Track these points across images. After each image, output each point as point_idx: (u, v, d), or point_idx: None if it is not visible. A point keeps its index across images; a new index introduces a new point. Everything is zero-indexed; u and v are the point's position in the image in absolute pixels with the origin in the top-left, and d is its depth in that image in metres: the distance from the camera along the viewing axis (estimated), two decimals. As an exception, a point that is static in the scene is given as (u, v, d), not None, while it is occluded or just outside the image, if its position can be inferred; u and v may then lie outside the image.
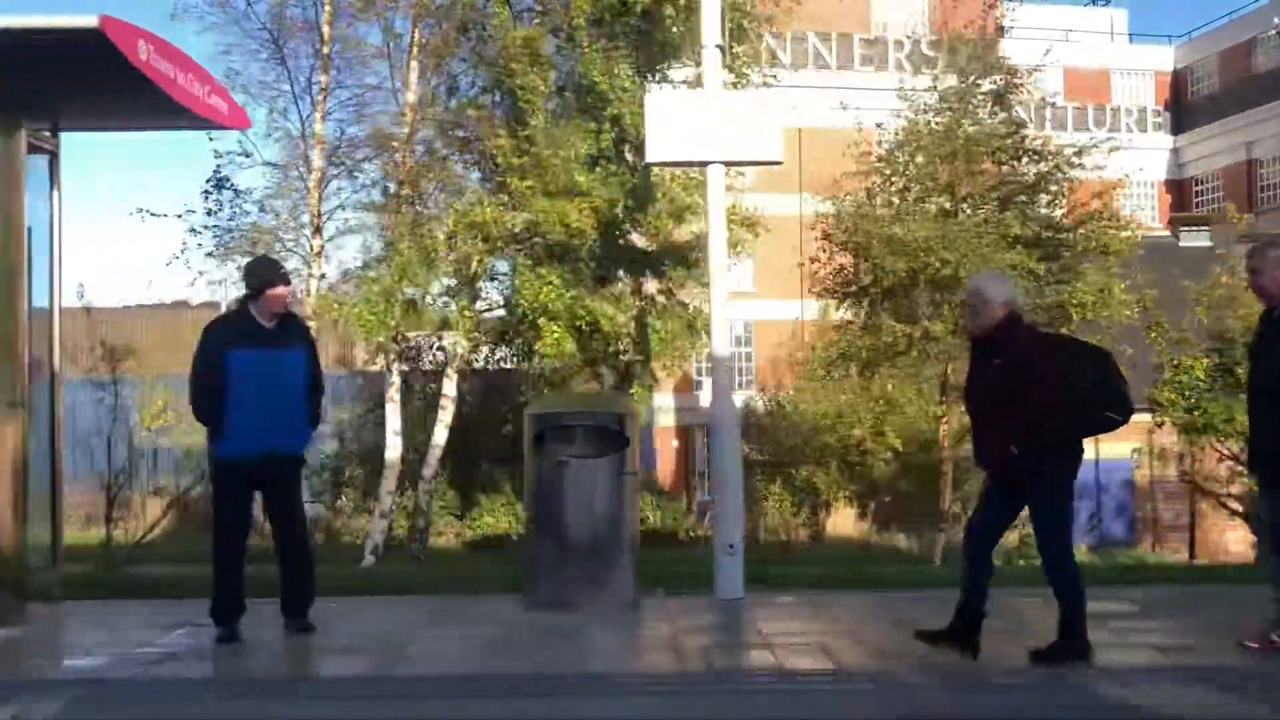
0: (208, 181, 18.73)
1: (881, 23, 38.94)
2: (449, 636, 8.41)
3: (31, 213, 9.12)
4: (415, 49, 18.35)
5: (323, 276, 18.74)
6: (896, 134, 21.23)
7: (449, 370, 18.18)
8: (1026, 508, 7.25)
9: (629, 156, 17.84)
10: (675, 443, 35.42)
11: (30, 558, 9.16)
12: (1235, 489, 22.37)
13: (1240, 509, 22.18)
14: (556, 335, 16.92)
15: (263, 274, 8.29)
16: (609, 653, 7.87)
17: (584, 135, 17.07)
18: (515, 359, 20.29)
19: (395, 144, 18.13)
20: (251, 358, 7.99)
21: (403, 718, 6.42)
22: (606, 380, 18.57)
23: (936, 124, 20.59)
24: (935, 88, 21.37)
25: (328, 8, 18.42)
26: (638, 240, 18.89)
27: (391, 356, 19.15)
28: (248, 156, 18.61)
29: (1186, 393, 20.73)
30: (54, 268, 9.67)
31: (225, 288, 18.87)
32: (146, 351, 20.62)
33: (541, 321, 16.91)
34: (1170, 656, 7.43)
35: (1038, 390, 6.93)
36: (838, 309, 22.51)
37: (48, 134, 9.49)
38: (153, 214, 19.02)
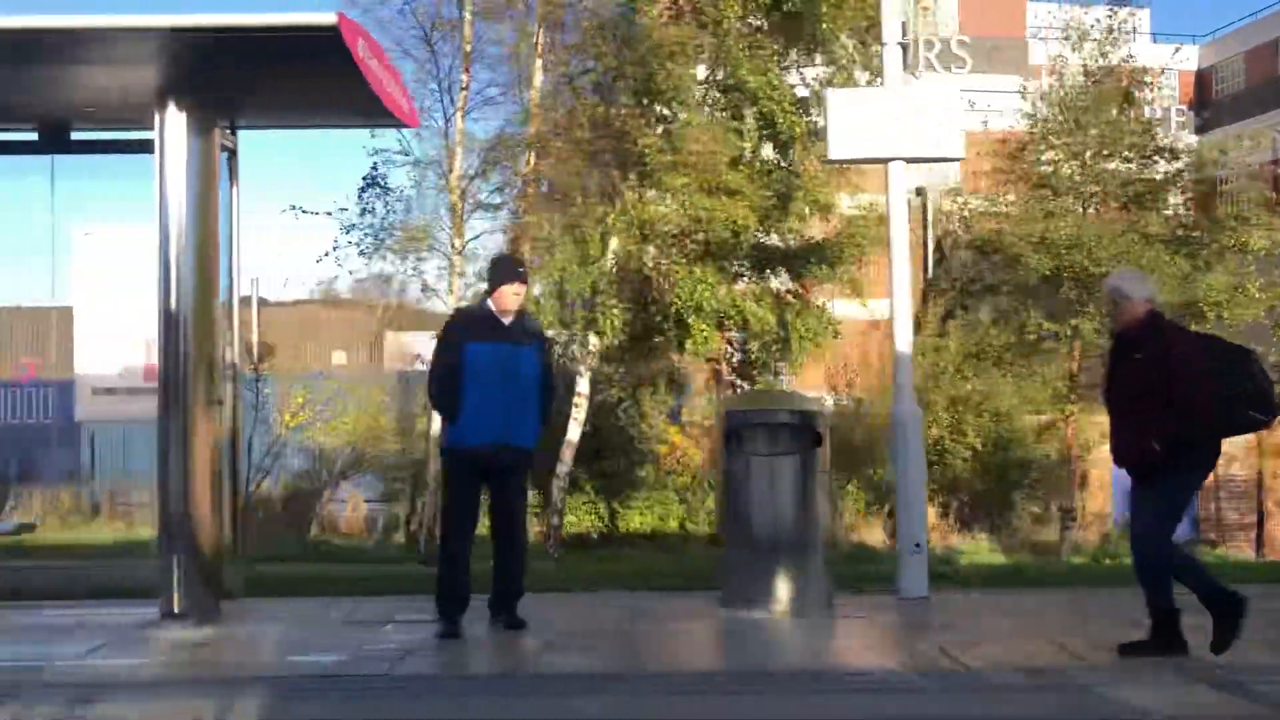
0: (364, 179, 18.91)
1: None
2: (670, 633, 8.45)
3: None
4: (540, 48, 18.32)
5: (461, 274, 18.78)
6: (1032, 130, 21.09)
7: (581, 369, 18.17)
8: (1141, 495, 7.16)
9: (771, 153, 17.80)
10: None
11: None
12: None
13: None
14: (705, 333, 16.98)
15: (499, 271, 8.45)
16: (839, 650, 7.94)
17: (732, 133, 17.07)
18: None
19: (529, 143, 18.14)
20: (487, 351, 8.12)
21: (677, 716, 6.36)
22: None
23: (1063, 121, 20.47)
24: (1059, 87, 21.20)
25: (469, 5, 18.42)
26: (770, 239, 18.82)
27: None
28: (406, 155, 18.69)
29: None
30: (233, 264, 9.79)
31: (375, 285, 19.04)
32: (286, 348, 20.91)
33: (691, 319, 16.95)
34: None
35: (1179, 387, 6.86)
36: (956, 308, 22.35)
37: (229, 131, 9.63)
38: (305, 211, 19.19)
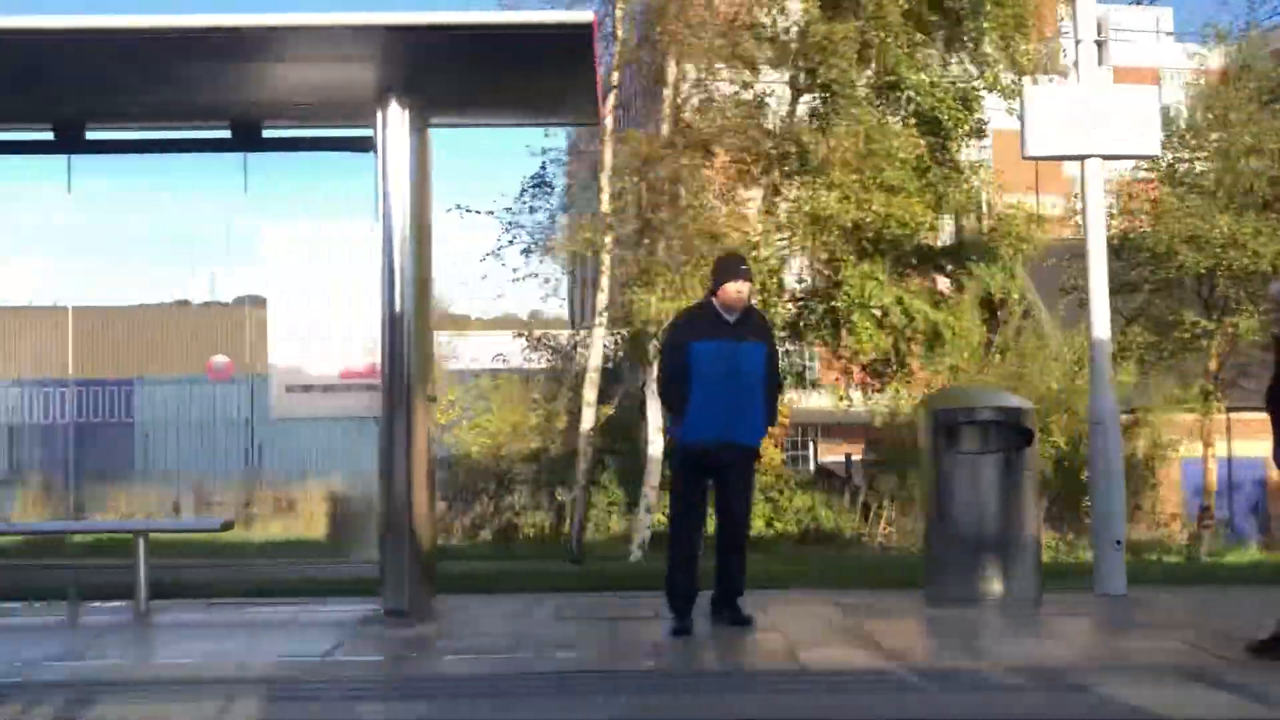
0: (531, 178, 18.95)
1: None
2: (901, 630, 8.45)
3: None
4: (673, 45, 18.29)
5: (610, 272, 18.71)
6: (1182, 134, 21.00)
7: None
8: None
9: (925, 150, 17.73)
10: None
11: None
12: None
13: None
14: (869, 330, 16.98)
15: (723, 269, 8.48)
16: (1082, 645, 7.83)
17: (897, 130, 17.06)
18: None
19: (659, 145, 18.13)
20: (712, 349, 8.17)
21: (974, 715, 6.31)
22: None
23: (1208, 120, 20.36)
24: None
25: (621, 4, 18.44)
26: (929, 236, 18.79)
27: (652, 353, 19.20)
28: (581, 153, 18.73)
29: None
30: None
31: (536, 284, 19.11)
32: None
33: (856, 316, 16.95)
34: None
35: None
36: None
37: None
38: (470, 210, 19.26)
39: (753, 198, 18.26)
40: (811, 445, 36.53)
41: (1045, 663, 7.14)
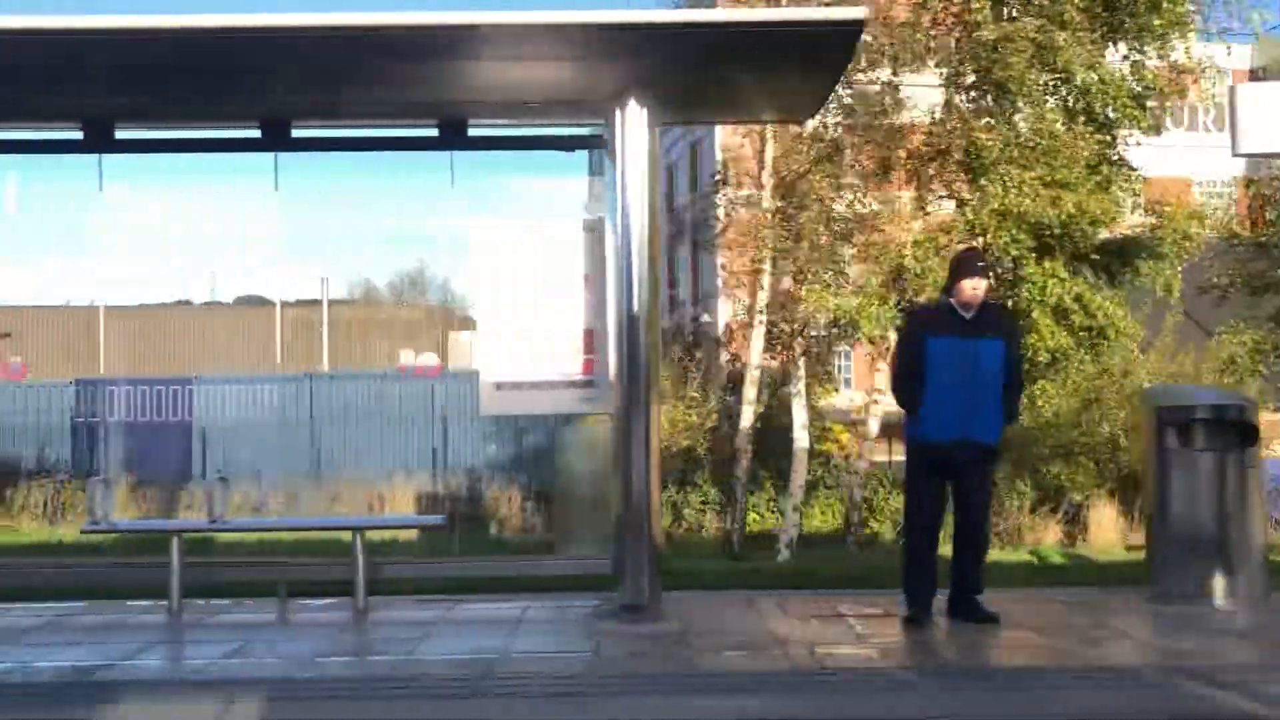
0: (713, 176, 18.83)
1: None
2: (1153, 627, 8.48)
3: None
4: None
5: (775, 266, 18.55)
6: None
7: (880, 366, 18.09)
8: None
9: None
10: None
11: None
12: None
13: None
14: (1050, 326, 16.95)
15: (959, 266, 8.48)
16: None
17: (1082, 129, 17.02)
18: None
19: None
20: (948, 346, 8.18)
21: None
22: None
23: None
24: None
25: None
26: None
27: (798, 351, 19.23)
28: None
29: None
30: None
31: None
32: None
33: (1036, 313, 16.91)
34: None
35: None
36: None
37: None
38: None
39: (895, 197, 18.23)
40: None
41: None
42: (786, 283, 18.78)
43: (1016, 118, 17.48)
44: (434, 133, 9.72)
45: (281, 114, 9.61)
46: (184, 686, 6.91)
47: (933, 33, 17.50)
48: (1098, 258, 17.86)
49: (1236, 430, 9.26)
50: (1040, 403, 22.43)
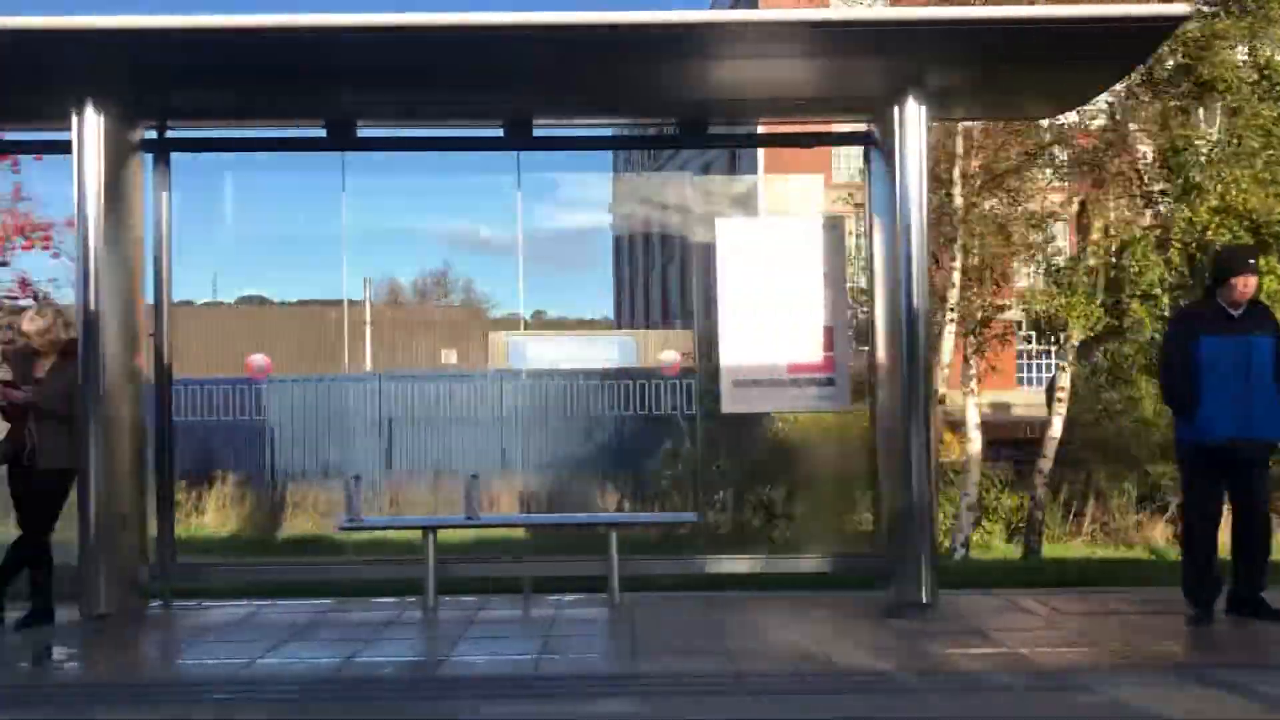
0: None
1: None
2: None
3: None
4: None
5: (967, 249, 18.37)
6: None
7: (1063, 363, 18.04)
8: None
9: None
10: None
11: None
12: None
13: None
14: None
15: (1229, 263, 8.46)
16: None
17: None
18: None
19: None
20: (1219, 344, 8.18)
21: None
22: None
23: None
24: None
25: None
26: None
27: (969, 350, 19.03)
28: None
29: None
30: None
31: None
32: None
33: None
34: None
35: None
36: None
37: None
38: None
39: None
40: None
41: None
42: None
43: (1221, 114, 17.40)
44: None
45: (525, 113, 9.64)
46: (542, 682, 6.86)
47: None
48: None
49: None
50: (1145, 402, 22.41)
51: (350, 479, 9.56)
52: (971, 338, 19.05)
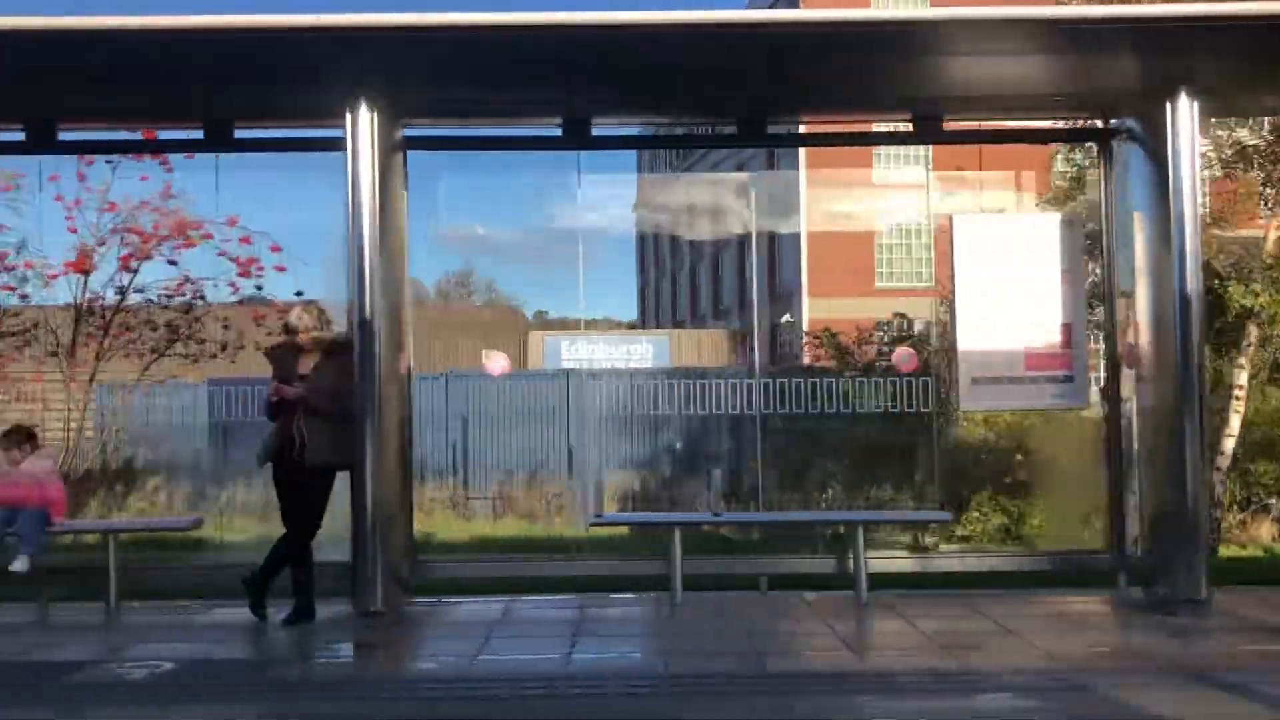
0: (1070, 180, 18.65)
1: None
2: None
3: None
4: None
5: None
6: None
7: (1241, 360, 17.78)
8: None
9: None
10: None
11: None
12: None
13: None
14: None
15: None
16: None
17: None
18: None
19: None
20: None
21: None
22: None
23: None
24: None
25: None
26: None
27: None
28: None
29: None
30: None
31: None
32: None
33: None
34: None
35: None
36: None
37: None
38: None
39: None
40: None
41: None
42: None
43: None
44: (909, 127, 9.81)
45: (759, 110, 9.65)
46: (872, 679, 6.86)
47: None
48: None
49: None
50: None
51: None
52: None
